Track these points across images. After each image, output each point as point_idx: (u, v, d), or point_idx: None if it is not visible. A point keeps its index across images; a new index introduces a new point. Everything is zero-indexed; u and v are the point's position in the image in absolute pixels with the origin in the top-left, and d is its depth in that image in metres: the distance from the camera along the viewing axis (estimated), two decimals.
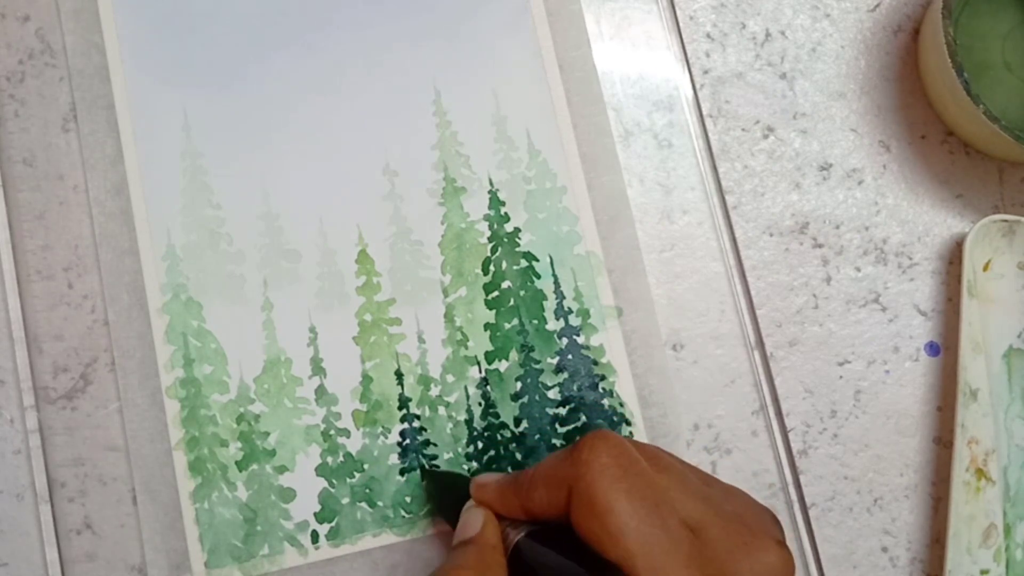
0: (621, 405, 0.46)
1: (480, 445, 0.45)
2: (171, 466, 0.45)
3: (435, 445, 0.45)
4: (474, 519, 0.37)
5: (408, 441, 0.45)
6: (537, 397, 0.46)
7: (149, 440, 0.45)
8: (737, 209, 0.48)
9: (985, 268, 0.47)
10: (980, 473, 0.45)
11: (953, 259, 0.48)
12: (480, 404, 0.46)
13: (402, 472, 0.45)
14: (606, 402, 0.46)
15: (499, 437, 0.45)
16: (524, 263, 0.47)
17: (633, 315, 0.46)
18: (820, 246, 0.48)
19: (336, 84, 0.48)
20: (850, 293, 0.47)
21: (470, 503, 0.39)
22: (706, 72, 0.49)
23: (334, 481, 0.45)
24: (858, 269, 0.48)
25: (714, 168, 0.48)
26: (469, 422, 0.46)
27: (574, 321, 0.46)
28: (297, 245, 0.46)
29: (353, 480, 0.45)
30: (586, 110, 0.48)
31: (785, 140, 0.48)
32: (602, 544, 0.33)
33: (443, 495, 0.43)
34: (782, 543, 0.34)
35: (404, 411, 0.46)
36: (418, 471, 0.45)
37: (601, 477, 0.33)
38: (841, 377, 0.47)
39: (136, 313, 0.46)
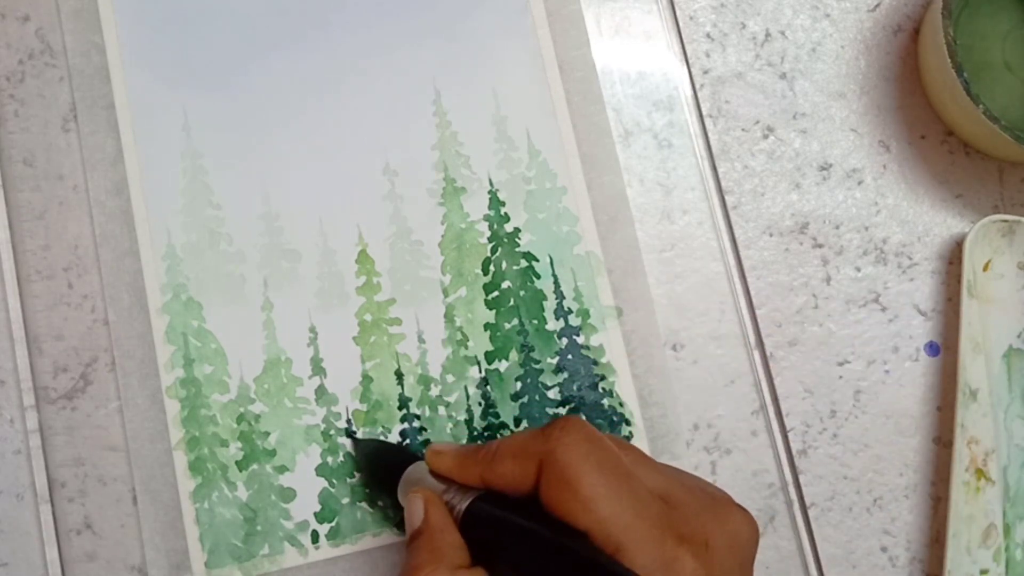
0: (621, 405, 0.46)
1: None
2: (171, 466, 0.45)
3: None
4: (415, 507, 0.37)
5: (408, 441, 0.45)
6: (537, 397, 0.46)
7: (149, 440, 0.45)
8: (737, 209, 0.48)
9: (985, 268, 0.47)
10: (980, 473, 0.45)
11: (953, 259, 0.48)
12: (480, 404, 0.46)
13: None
14: (606, 402, 0.46)
15: (499, 437, 0.45)
16: (524, 263, 0.47)
17: (633, 315, 0.46)
18: (820, 246, 0.48)
19: (336, 84, 0.48)
20: (850, 293, 0.47)
21: (414, 493, 0.38)
22: (706, 72, 0.49)
23: (334, 481, 0.45)
24: (858, 269, 0.48)
25: (714, 168, 0.48)
26: (469, 422, 0.46)
27: (574, 321, 0.46)
28: (297, 245, 0.46)
29: (353, 480, 0.45)
30: (586, 110, 0.48)
31: (785, 140, 0.48)
32: (573, 513, 0.34)
33: (375, 466, 0.42)
34: (746, 510, 0.36)
35: (404, 411, 0.46)
36: (347, 437, 0.44)
37: (573, 451, 0.35)
38: (841, 377, 0.47)
39: (136, 313, 0.46)
